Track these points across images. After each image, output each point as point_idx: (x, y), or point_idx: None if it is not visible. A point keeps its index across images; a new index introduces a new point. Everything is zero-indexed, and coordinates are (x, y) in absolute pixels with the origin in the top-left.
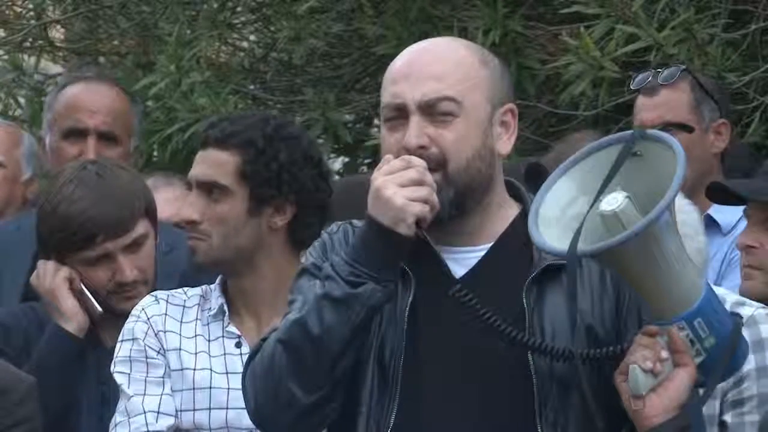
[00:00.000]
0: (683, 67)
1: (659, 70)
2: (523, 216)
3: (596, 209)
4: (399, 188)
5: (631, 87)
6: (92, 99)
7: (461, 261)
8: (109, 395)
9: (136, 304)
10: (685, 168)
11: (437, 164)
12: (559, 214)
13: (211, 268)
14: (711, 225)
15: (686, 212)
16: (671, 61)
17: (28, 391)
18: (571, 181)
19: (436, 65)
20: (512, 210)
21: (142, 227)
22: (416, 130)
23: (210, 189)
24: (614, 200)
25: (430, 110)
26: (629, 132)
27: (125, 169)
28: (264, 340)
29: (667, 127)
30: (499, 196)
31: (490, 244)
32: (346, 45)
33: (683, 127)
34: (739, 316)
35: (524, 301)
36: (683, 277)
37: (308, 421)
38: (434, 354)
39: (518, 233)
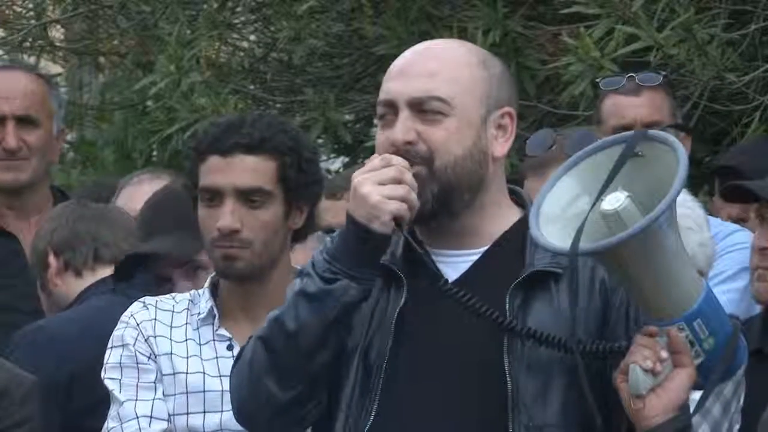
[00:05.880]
0: (663, 72)
1: (631, 75)
2: (523, 221)
3: (597, 208)
4: (376, 186)
5: (602, 88)
6: (5, 85)
7: (455, 265)
8: None
9: None
10: (687, 168)
11: (423, 160)
12: (560, 213)
13: (247, 277)
14: None
15: (690, 207)
16: (671, 61)
17: (29, 391)
18: (573, 180)
19: (430, 64)
20: (513, 215)
21: None
22: (404, 126)
23: (250, 196)
24: (616, 200)
25: (420, 107)
26: (631, 132)
27: None
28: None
29: (666, 128)
30: (495, 199)
31: (485, 248)
32: (346, 45)
33: (680, 128)
34: (737, 318)
35: (507, 305)
36: (683, 278)
37: (286, 418)
38: (418, 358)
39: (516, 238)
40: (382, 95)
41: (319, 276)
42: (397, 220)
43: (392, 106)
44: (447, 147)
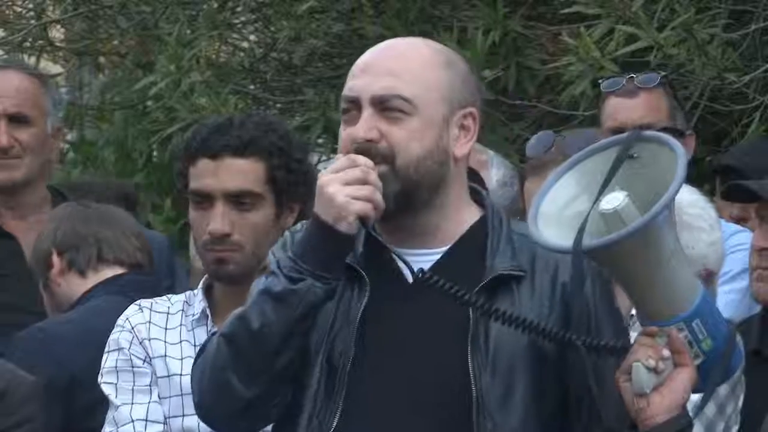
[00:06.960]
0: (662, 73)
1: (632, 75)
2: (483, 221)
3: (596, 209)
4: (342, 186)
5: (602, 90)
6: None
7: (416, 264)
8: None
9: None
10: (685, 168)
11: (384, 159)
12: (557, 214)
13: (239, 278)
14: None
15: (702, 207)
16: (671, 61)
17: (30, 391)
18: (571, 181)
19: (394, 62)
20: (472, 214)
21: None
22: (366, 123)
23: (239, 199)
24: (615, 199)
25: (383, 106)
26: (627, 134)
27: None
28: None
29: (660, 131)
30: (455, 199)
31: (446, 248)
32: (346, 45)
33: (674, 131)
34: (732, 321)
35: (470, 309)
36: (681, 278)
37: (248, 414)
38: (382, 358)
39: (476, 239)
40: (346, 91)
41: (284, 275)
42: (362, 220)
43: (355, 103)
44: (409, 146)
